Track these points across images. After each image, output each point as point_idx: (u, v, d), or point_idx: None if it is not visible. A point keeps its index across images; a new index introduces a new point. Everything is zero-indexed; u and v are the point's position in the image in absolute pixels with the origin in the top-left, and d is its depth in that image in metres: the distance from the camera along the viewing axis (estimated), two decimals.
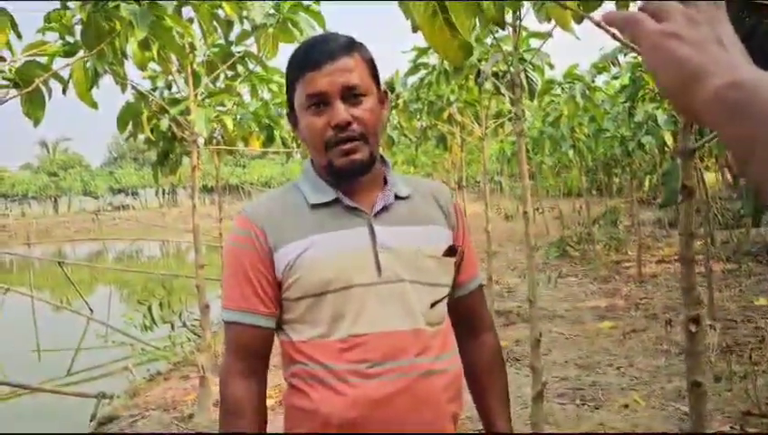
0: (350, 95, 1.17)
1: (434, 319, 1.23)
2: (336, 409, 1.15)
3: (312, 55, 1.18)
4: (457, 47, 1.47)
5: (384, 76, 5.68)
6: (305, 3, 3.97)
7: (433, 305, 1.23)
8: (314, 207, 1.22)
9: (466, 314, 1.38)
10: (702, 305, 1.60)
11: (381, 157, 1.28)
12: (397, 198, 1.25)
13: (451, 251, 1.27)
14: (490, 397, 1.37)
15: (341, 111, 1.16)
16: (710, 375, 4.38)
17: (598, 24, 1.41)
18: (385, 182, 1.27)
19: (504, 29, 1.63)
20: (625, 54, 6.91)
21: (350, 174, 1.19)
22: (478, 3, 1.37)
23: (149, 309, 6.66)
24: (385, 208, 1.23)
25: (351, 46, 1.20)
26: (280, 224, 1.21)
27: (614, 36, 1.34)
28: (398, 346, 1.17)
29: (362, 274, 1.18)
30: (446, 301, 1.28)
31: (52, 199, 51.88)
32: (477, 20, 1.64)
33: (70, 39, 3.39)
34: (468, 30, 1.44)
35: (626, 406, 4.03)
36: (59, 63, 3.29)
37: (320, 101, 1.17)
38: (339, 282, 1.17)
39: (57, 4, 3.26)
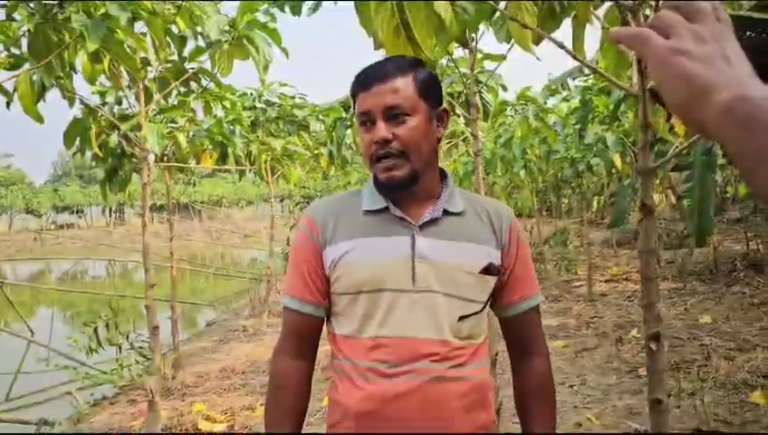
0: (393, 115, 1.25)
1: (462, 332, 1.28)
2: (353, 401, 1.27)
3: (365, 76, 1.28)
4: None
5: (341, 96, 5.68)
6: (261, 20, 3.94)
7: (462, 319, 1.28)
8: (366, 213, 1.32)
9: (517, 334, 1.41)
10: (660, 322, 1.64)
11: (441, 171, 1.38)
12: (447, 212, 1.32)
13: (489, 269, 1.31)
14: (532, 421, 1.38)
15: (382, 129, 1.25)
16: None
17: (560, 46, 1.43)
18: (439, 196, 1.34)
19: (467, 47, 1.65)
20: (574, 78, 7.08)
21: (389, 188, 1.29)
22: (440, 20, 1.37)
23: (95, 331, 6.42)
24: (432, 221, 1.30)
25: (407, 67, 1.28)
26: (333, 224, 1.33)
27: (574, 57, 1.36)
28: (418, 352, 1.25)
29: (396, 280, 1.26)
30: (481, 317, 1.32)
31: None
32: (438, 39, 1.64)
33: (16, 51, 3.28)
34: (431, 48, 1.44)
35: (579, 425, 4.07)
36: (3, 76, 3.18)
37: (367, 120, 1.27)
38: (372, 284, 1.27)
39: (1, 15, 3.15)
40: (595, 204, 19.33)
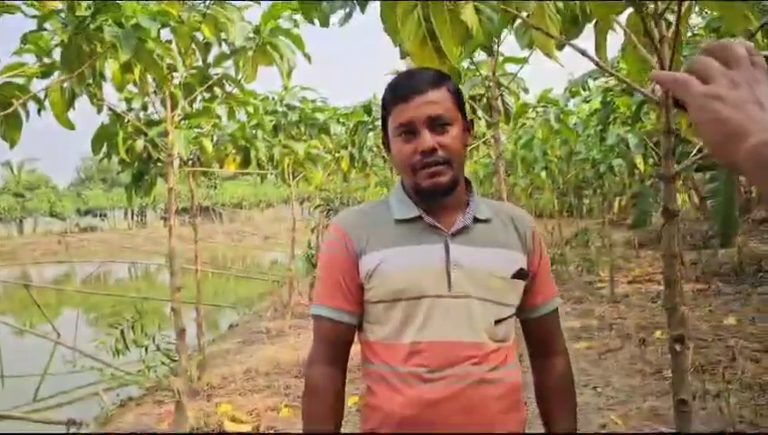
0: (437, 124, 1.29)
1: (497, 335, 1.32)
2: (395, 406, 1.29)
3: (403, 89, 1.31)
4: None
5: (363, 99, 5.72)
6: (285, 26, 4.00)
7: (497, 323, 1.32)
8: (398, 222, 1.35)
9: (539, 335, 1.46)
10: (684, 325, 1.67)
11: (467, 181, 1.40)
12: (476, 220, 1.35)
13: (520, 274, 1.35)
14: (554, 419, 1.43)
15: (428, 138, 1.28)
16: None
17: (583, 53, 1.45)
18: (467, 204, 1.37)
19: (491, 55, 1.67)
20: (595, 79, 7.04)
21: (433, 194, 1.31)
22: (467, 29, 1.40)
23: (122, 332, 6.53)
24: (464, 229, 1.33)
25: (439, 80, 1.32)
26: (365, 234, 1.35)
27: (597, 63, 1.38)
28: (456, 355, 1.27)
29: (433, 286, 1.29)
30: (512, 320, 1.37)
31: (17, 221, 50.71)
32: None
33: (47, 60, 3.36)
34: (456, 56, 1.47)
35: (604, 426, 4.06)
36: (36, 85, 3.26)
37: (408, 130, 1.30)
38: (410, 292, 1.29)
39: (33, 25, 3.24)
40: (616, 205, 19.18)
